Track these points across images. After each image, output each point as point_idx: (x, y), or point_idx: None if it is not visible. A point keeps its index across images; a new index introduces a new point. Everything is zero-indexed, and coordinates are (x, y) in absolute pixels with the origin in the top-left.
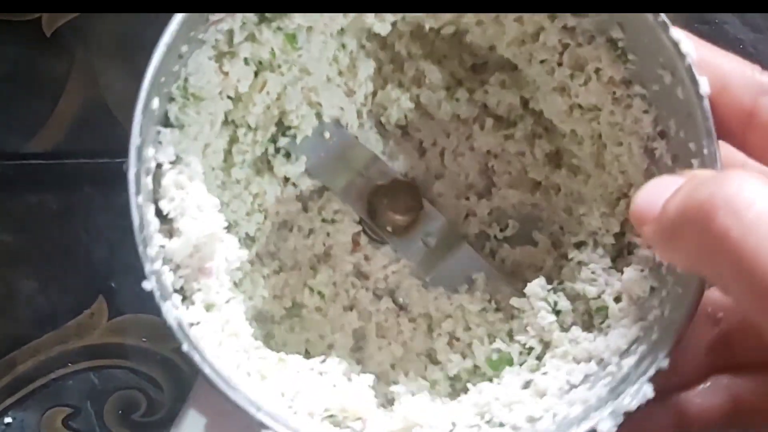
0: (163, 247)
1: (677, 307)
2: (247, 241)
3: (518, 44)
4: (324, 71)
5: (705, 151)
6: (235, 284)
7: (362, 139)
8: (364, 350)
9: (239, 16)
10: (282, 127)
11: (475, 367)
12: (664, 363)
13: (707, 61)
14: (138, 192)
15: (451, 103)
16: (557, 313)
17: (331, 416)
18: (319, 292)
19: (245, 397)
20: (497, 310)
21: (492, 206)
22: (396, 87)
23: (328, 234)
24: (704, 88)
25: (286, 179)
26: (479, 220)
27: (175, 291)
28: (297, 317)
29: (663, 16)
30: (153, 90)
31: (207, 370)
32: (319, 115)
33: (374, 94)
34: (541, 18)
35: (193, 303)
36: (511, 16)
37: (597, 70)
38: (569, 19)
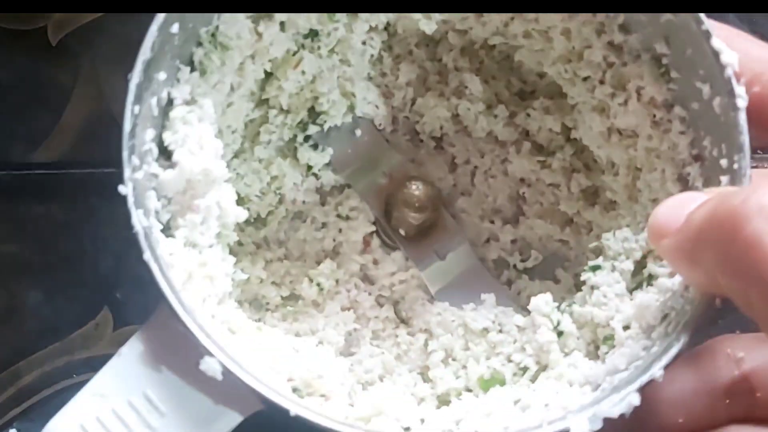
0: (156, 176)
1: (682, 324)
2: (258, 224)
3: (564, 61)
4: (365, 68)
5: (735, 165)
6: (230, 248)
7: (393, 144)
8: (355, 355)
9: None
10: (313, 115)
11: (466, 388)
12: (658, 374)
13: (766, 57)
14: (135, 102)
15: (489, 118)
16: (559, 333)
17: (294, 389)
18: (318, 284)
19: (197, 321)
20: (500, 332)
21: (517, 235)
22: (436, 96)
23: (340, 230)
24: (742, 100)
25: (309, 168)
26: (500, 246)
27: (162, 227)
28: (292, 308)
29: (706, 24)
30: (175, 16)
31: (163, 285)
32: (352, 108)
33: (413, 101)
34: (588, 33)
35: (173, 237)
36: (559, 29)
37: (639, 89)
38: (616, 35)
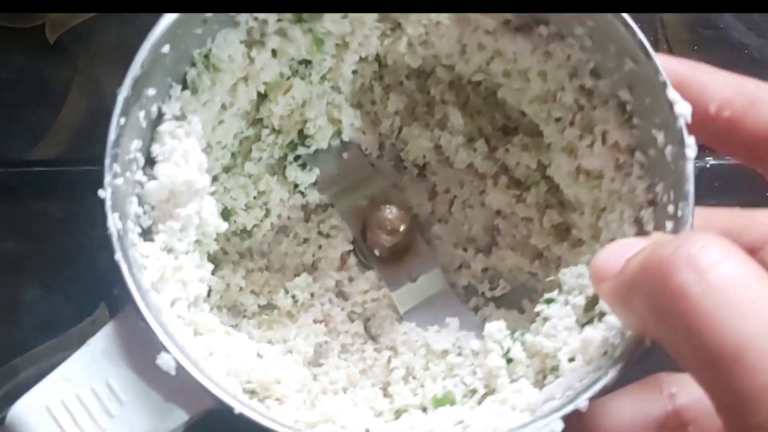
0: (141, 185)
1: (613, 359)
2: (243, 235)
3: (541, 101)
4: (355, 96)
5: (679, 213)
6: (210, 257)
7: (378, 169)
8: (322, 366)
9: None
10: (302, 137)
11: (421, 405)
12: (583, 404)
13: (734, 83)
14: (122, 114)
15: (469, 152)
16: (509, 360)
17: (251, 391)
18: (293, 296)
19: (159, 320)
20: (459, 355)
21: (488, 264)
22: (422, 126)
23: (320, 246)
24: (691, 150)
25: (296, 186)
26: (471, 274)
27: (141, 230)
28: (267, 317)
29: (664, 75)
30: (166, 37)
31: (130, 284)
32: (339, 132)
33: (400, 130)
34: (562, 76)
35: (152, 241)
36: (536, 71)
37: (604, 133)
38: (587, 79)
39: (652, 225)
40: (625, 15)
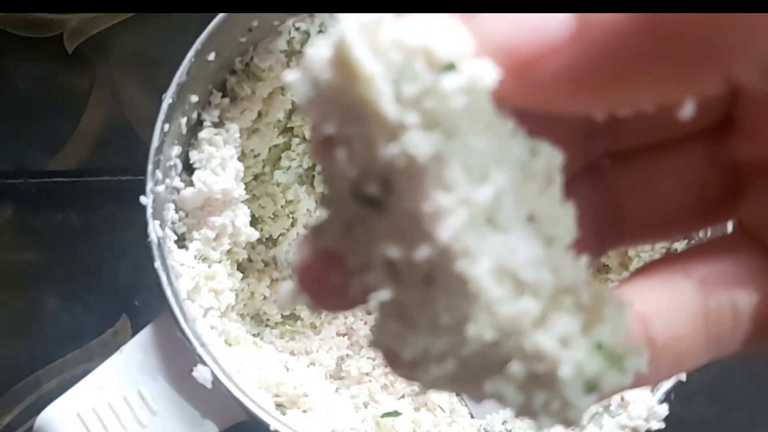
0: (177, 191)
1: None
2: (269, 243)
3: None
4: None
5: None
6: (239, 266)
7: None
8: (343, 380)
9: (317, 18)
10: None
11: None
12: None
13: None
14: (166, 121)
15: None
16: None
17: (279, 405)
18: None
19: (195, 331)
20: None
21: None
22: None
23: None
24: None
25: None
26: None
27: (177, 237)
28: (290, 327)
29: None
30: (211, 45)
31: (169, 294)
32: None
33: None
34: None
35: (186, 249)
36: None
37: None
38: None
39: None
40: None
